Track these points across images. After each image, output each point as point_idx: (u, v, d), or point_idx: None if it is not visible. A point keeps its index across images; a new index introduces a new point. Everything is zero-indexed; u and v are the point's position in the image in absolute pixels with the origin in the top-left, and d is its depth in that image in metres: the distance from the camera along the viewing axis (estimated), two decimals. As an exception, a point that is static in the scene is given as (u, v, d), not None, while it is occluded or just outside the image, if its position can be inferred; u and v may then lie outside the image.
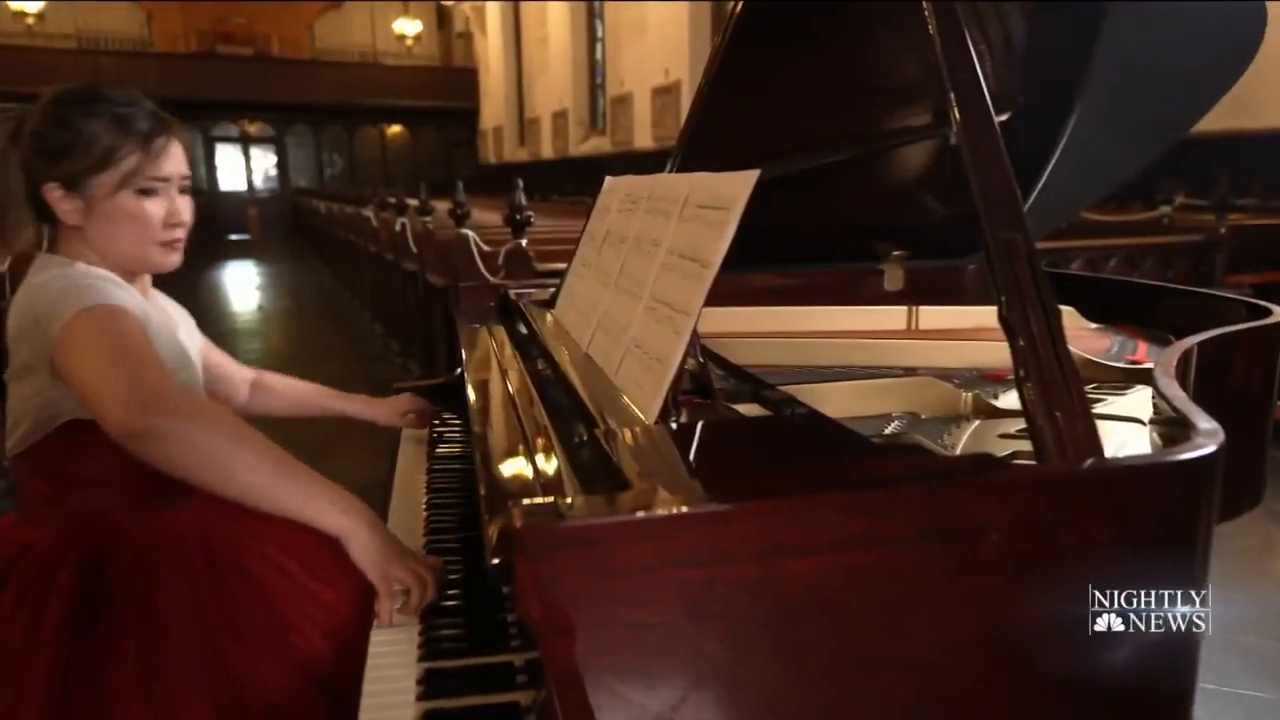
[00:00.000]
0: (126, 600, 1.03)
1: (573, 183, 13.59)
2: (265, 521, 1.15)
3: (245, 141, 19.66)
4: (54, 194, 1.08)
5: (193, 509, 1.09)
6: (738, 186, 0.85)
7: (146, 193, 1.10)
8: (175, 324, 1.25)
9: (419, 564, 0.96)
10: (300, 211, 16.24)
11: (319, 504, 0.96)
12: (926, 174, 1.83)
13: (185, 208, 1.15)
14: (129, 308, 1.04)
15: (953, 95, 0.84)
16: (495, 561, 0.63)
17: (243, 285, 11.41)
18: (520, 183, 3.42)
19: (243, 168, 19.73)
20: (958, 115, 0.83)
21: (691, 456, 0.76)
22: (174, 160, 1.13)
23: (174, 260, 1.15)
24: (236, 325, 8.11)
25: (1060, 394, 0.72)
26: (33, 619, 1.00)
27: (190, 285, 10.77)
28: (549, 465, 0.86)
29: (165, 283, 1.25)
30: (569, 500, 0.63)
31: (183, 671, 1.00)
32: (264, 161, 19.94)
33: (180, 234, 1.14)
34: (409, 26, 19.99)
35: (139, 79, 17.11)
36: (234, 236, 18.44)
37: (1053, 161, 1.65)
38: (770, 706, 0.61)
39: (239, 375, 1.46)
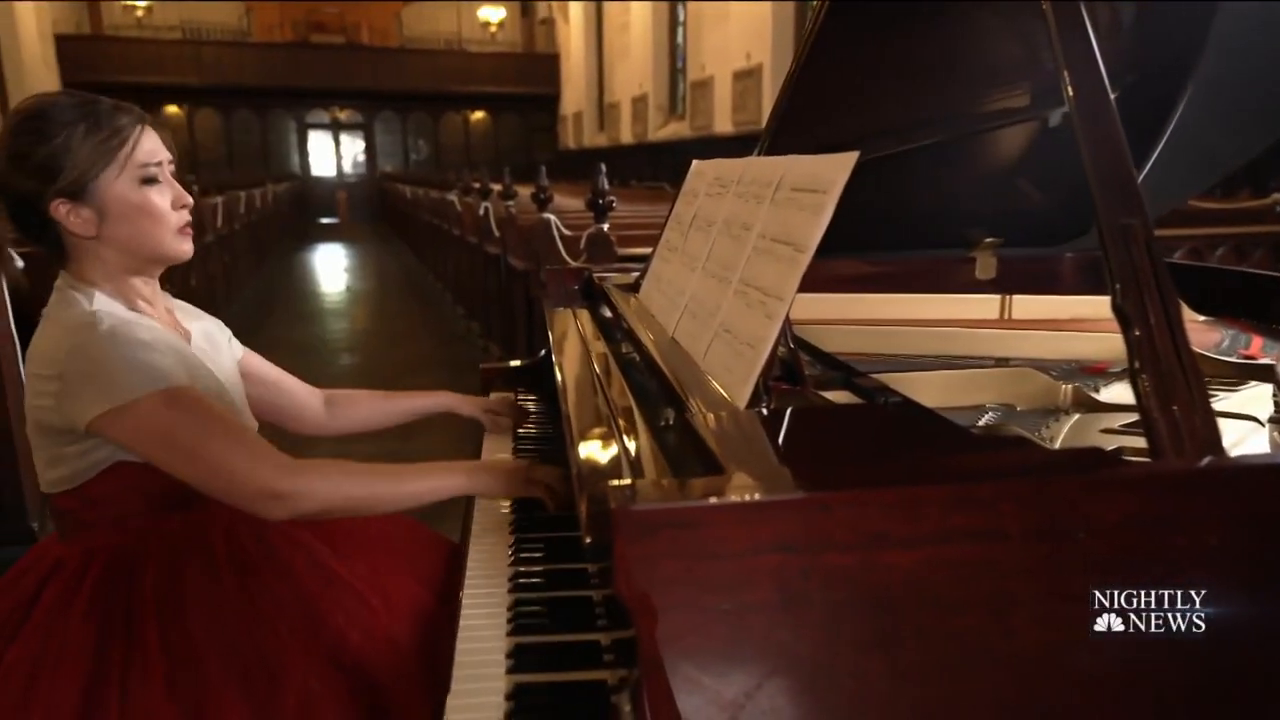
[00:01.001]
0: (151, 603, 1.04)
1: (651, 168, 13.59)
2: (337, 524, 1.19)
3: (336, 128, 20.29)
4: (61, 210, 1.05)
5: (212, 506, 1.09)
6: (835, 169, 0.83)
7: (148, 181, 1.08)
8: (190, 333, 1.23)
9: (544, 477, 1.10)
10: (387, 196, 16.70)
11: (443, 484, 1.08)
12: (1023, 158, 1.76)
13: (183, 191, 1.14)
14: (185, 386, 1.03)
15: (1066, 73, 0.80)
16: (589, 540, 0.63)
17: (332, 267, 11.81)
18: (603, 167, 3.43)
19: (333, 154, 20.38)
20: (1071, 93, 0.80)
21: (785, 443, 0.75)
22: (157, 144, 1.10)
23: (188, 248, 1.14)
24: (325, 305, 8.41)
25: (1178, 387, 0.68)
26: (61, 630, 1.01)
27: (284, 267, 11.22)
28: (638, 447, 0.86)
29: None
30: (666, 482, 0.63)
31: (213, 670, 1.00)
32: (353, 147, 20.55)
33: (189, 216, 1.13)
34: (493, 14, 20.25)
35: (238, 68, 17.87)
36: (324, 220, 19.09)
37: (1159, 146, 1.57)
38: (861, 698, 0.60)
39: (306, 392, 1.43)
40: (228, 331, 1.34)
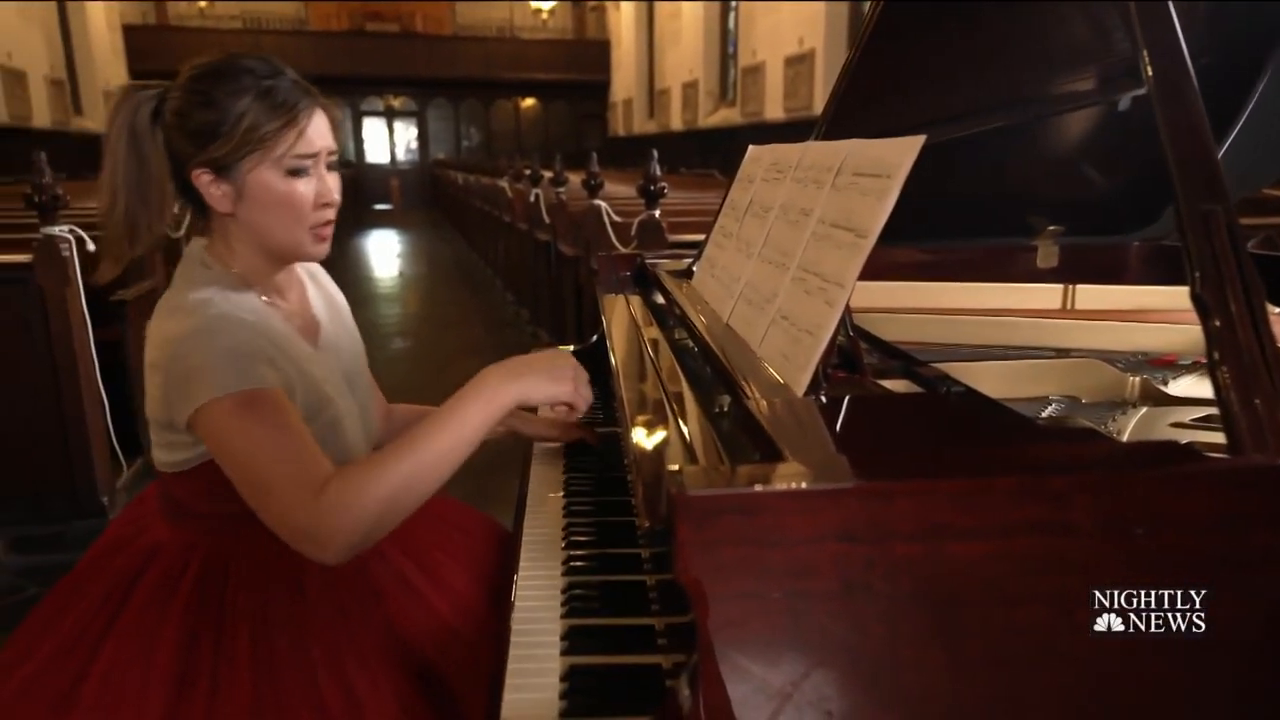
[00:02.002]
0: (244, 609, 1.02)
1: (700, 155, 13.50)
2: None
3: (389, 115, 20.58)
4: (203, 179, 1.02)
5: None
6: (900, 153, 0.82)
7: (296, 173, 1.02)
8: (320, 327, 1.18)
9: (573, 376, 1.05)
10: (439, 182, 16.89)
11: (480, 415, 0.97)
12: (1088, 144, 1.71)
13: (335, 185, 1.07)
14: (266, 390, 0.96)
15: (1146, 54, 0.77)
16: (647, 525, 0.63)
17: (385, 252, 12.01)
18: (655, 153, 3.42)
19: (386, 141, 20.69)
20: (1151, 74, 0.77)
21: (845, 431, 0.74)
22: (321, 134, 1.04)
23: (323, 250, 1.08)
24: (379, 290, 8.55)
25: (1260, 380, 0.65)
26: (157, 625, 1.00)
27: (338, 252, 11.42)
28: (693, 432, 0.86)
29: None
30: (727, 468, 0.62)
31: (292, 682, 0.97)
32: (406, 134, 20.83)
33: (331, 215, 1.07)
34: (545, 1, 20.28)
35: (296, 57, 18.17)
36: (378, 206, 19.40)
37: (1236, 130, 1.50)
38: (922, 691, 0.59)
39: (380, 403, 1.35)
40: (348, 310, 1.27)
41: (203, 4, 18.57)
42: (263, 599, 1.02)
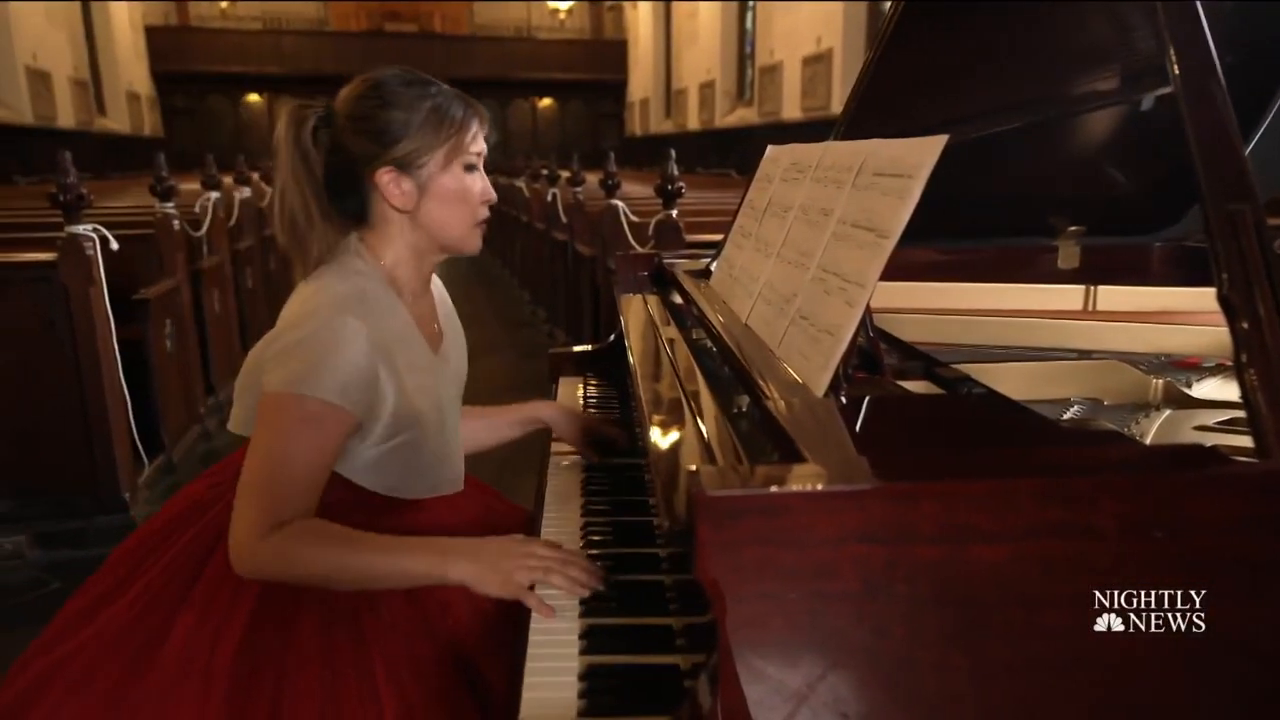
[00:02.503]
0: (312, 600, 1.03)
1: (717, 155, 13.48)
2: (425, 511, 1.17)
3: (407, 115, 20.65)
4: (386, 178, 1.06)
5: (377, 512, 1.09)
6: (922, 152, 0.81)
7: (469, 168, 1.10)
8: (443, 338, 1.22)
9: (541, 557, 0.95)
10: (455, 182, 16.91)
11: (422, 567, 0.98)
12: (1110, 144, 1.69)
13: (490, 187, 1.15)
14: (333, 409, 0.99)
15: (1172, 52, 0.76)
16: (666, 525, 0.63)
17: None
18: (673, 153, 3.41)
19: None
20: (1177, 72, 0.76)
21: (866, 432, 0.73)
22: (481, 139, 1.13)
23: (478, 243, 1.15)
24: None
25: (1289, 383, 0.64)
26: (230, 604, 1.02)
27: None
28: (712, 432, 0.86)
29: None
30: (749, 468, 0.62)
31: (350, 666, 0.99)
32: (423, 134, 20.89)
33: (489, 213, 1.15)
34: (562, 1, 20.32)
35: (316, 57, 18.35)
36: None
37: (1261, 129, 1.48)
38: (944, 693, 0.59)
39: None
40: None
41: (224, 5, 18.73)
42: (332, 592, 1.03)
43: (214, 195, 4.37)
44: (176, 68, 16.86)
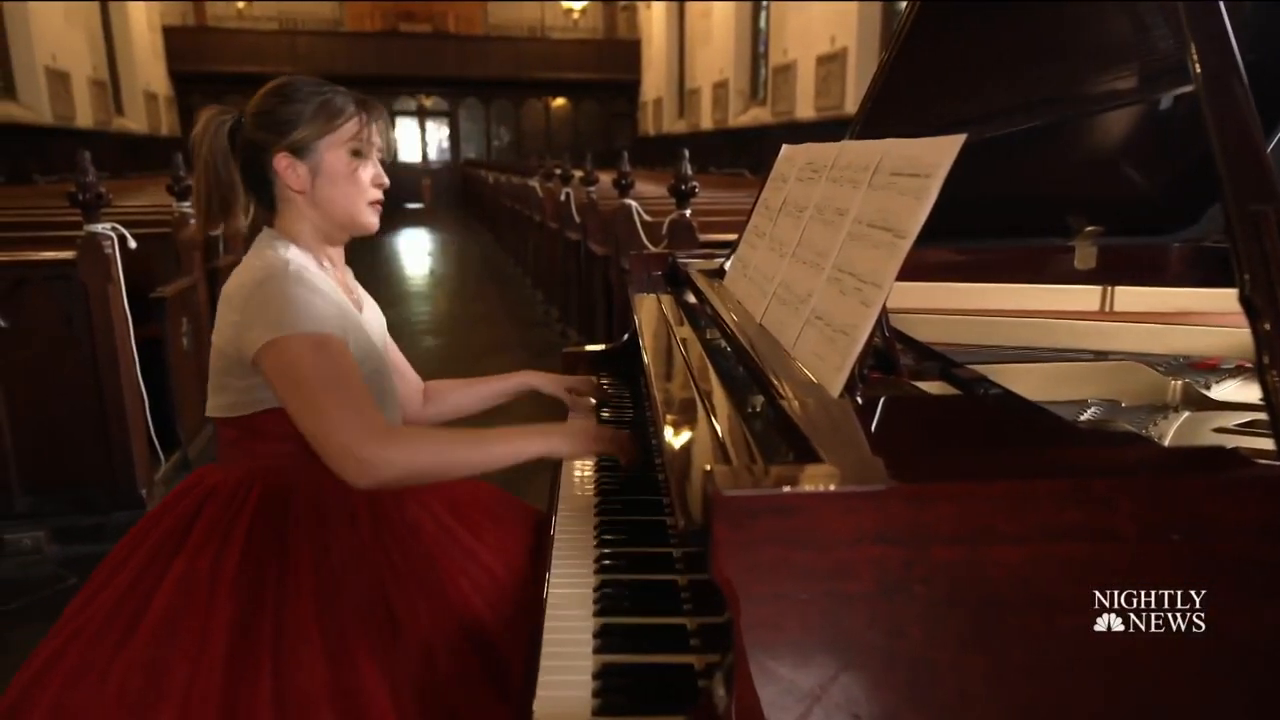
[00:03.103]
0: (302, 540, 1.12)
1: (730, 154, 13.46)
2: (427, 510, 1.25)
3: (421, 115, 20.75)
4: (283, 162, 1.20)
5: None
6: (939, 152, 0.81)
7: (359, 154, 1.23)
8: (363, 304, 1.35)
9: (616, 439, 1.19)
10: (469, 181, 17.01)
11: (520, 448, 1.14)
12: (1128, 143, 1.68)
13: (383, 174, 1.28)
14: (335, 336, 1.12)
15: (1194, 49, 0.75)
16: (682, 524, 0.63)
17: (416, 251, 12.11)
18: (686, 153, 3.41)
19: (418, 140, 20.85)
20: (1199, 70, 0.75)
21: (882, 432, 0.73)
22: (372, 131, 1.25)
23: (375, 222, 1.27)
24: (410, 288, 8.63)
25: (1312, 385, 0.64)
26: (219, 550, 1.10)
27: (371, 250, 11.55)
28: (727, 432, 0.85)
29: (350, 248, 1.35)
30: (766, 468, 0.62)
31: (352, 614, 1.06)
32: (437, 134, 20.99)
33: (381, 195, 1.27)
34: (576, 1, 20.34)
35: (330, 57, 18.46)
36: (409, 205, 19.57)
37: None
38: (961, 695, 0.59)
39: (415, 384, 1.53)
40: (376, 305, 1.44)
41: (240, 5, 18.86)
42: (322, 528, 1.14)
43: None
44: (194, 68, 17.00)
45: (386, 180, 1.28)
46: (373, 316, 1.37)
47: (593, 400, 1.59)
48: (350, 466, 1.04)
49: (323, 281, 1.20)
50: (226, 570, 1.07)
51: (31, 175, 10.19)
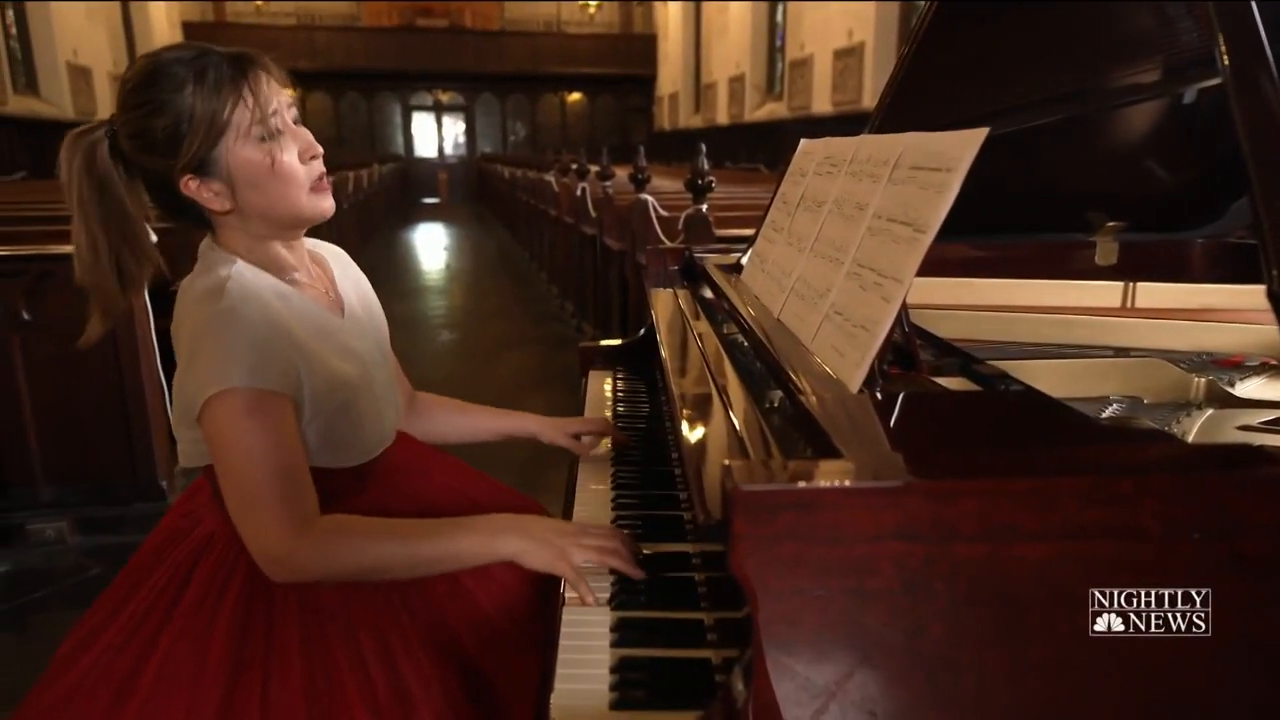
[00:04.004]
0: (290, 602, 1.01)
1: (746, 149, 13.42)
2: (436, 497, 1.18)
3: (438, 110, 20.82)
4: (192, 185, 1.00)
5: (360, 505, 1.07)
6: (961, 146, 0.80)
7: (270, 137, 1.00)
8: (345, 301, 1.17)
9: (598, 537, 0.95)
10: (485, 176, 17.05)
11: (471, 546, 0.97)
12: (1151, 137, 1.66)
13: (308, 135, 1.04)
14: (272, 393, 0.95)
15: (1221, 40, 0.74)
16: (701, 519, 0.63)
17: (432, 245, 12.15)
18: (703, 147, 3.40)
19: (435, 135, 20.93)
20: (1226, 62, 0.74)
21: (902, 428, 0.73)
22: (275, 92, 1.01)
23: (328, 205, 1.06)
24: (426, 283, 8.66)
25: (1341, 383, 0.63)
26: (209, 621, 1.00)
27: (388, 244, 11.61)
28: (745, 427, 0.85)
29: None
30: (786, 463, 0.62)
31: (344, 675, 0.97)
32: (454, 129, 21.06)
33: (321, 166, 1.05)
34: (591, -5, 20.34)
35: (348, 52, 18.55)
36: (426, 200, 19.64)
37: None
38: (981, 692, 0.58)
39: (404, 387, 1.34)
40: (373, 295, 1.27)
41: (259, 2, 18.99)
42: (314, 590, 1.02)
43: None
44: (213, 63, 17.10)
45: (318, 147, 1.04)
46: (363, 312, 1.19)
47: (604, 436, 1.37)
48: (263, 557, 0.94)
49: (283, 299, 1.02)
50: (215, 647, 0.98)
51: (54, 169, 10.31)
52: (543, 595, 1.14)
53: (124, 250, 1.03)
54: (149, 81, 0.97)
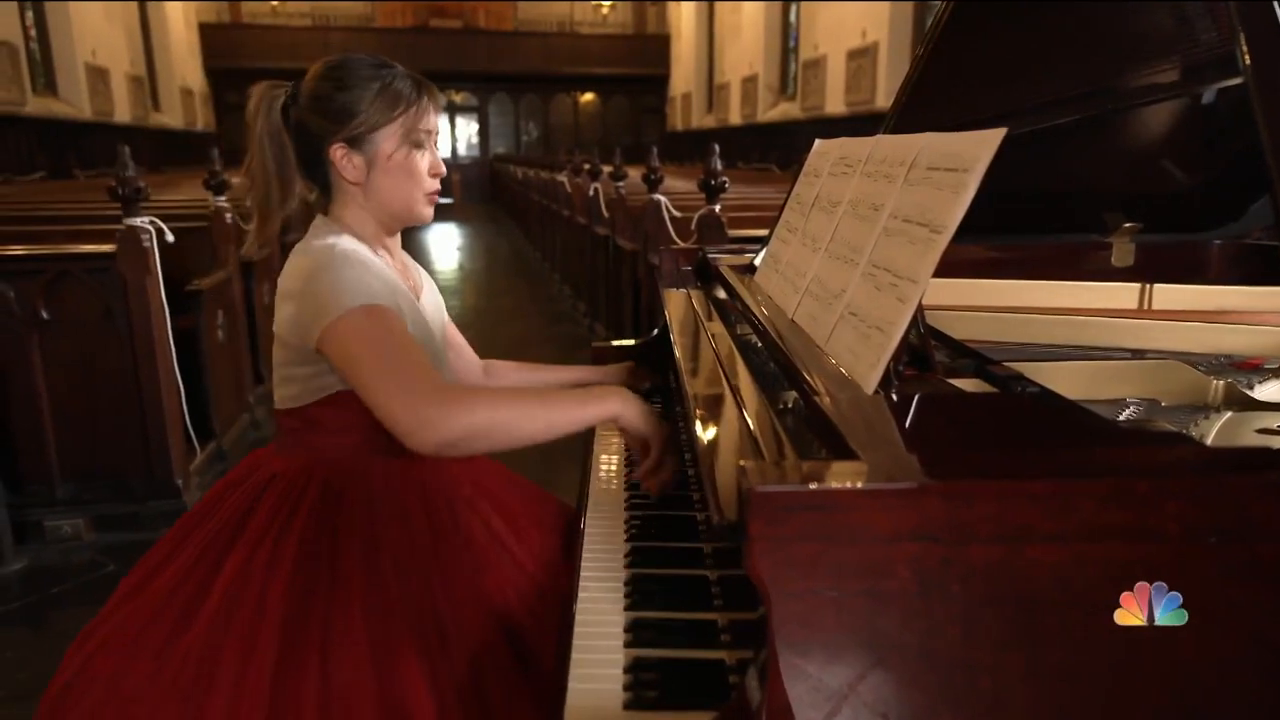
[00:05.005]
0: (354, 536, 1.11)
1: (759, 149, 13.39)
2: (480, 476, 1.24)
3: (451, 110, 20.86)
4: (338, 153, 1.17)
5: (414, 461, 1.16)
6: (978, 146, 0.80)
7: (417, 145, 1.19)
8: (421, 288, 1.33)
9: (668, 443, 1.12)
10: (498, 177, 17.09)
11: (588, 412, 1.10)
12: (1168, 138, 1.64)
13: (440, 160, 1.25)
14: (386, 306, 1.10)
15: (1243, 38, 0.74)
16: (716, 520, 0.63)
17: (446, 246, 12.19)
18: (717, 147, 3.40)
19: (448, 135, 20.97)
20: (1248, 61, 0.73)
21: (918, 429, 0.72)
22: (432, 116, 1.22)
23: (429, 213, 1.25)
24: (440, 283, 8.63)
25: (1364, 386, 0.62)
26: (274, 546, 1.09)
27: (403, 243, 11.64)
28: (759, 428, 0.85)
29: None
30: (801, 464, 0.62)
31: (399, 619, 1.05)
32: (467, 129, 21.11)
33: (438, 185, 1.24)
34: (605, -4, 20.35)
35: (361, 52, 18.64)
36: (439, 200, 19.64)
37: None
38: (998, 695, 0.58)
39: (473, 359, 1.52)
40: (435, 286, 1.42)
41: (275, 3, 19.10)
42: (373, 524, 1.12)
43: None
44: (229, 64, 17.23)
45: (444, 168, 1.25)
46: (431, 300, 1.35)
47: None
48: (412, 426, 1.01)
49: (377, 264, 1.17)
50: (280, 570, 1.07)
51: (71, 169, 10.40)
52: (567, 558, 1.20)
53: (277, 191, 1.21)
54: (349, 67, 1.18)
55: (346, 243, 1.16)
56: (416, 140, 1.19)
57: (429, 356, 1.19)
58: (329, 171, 1.19)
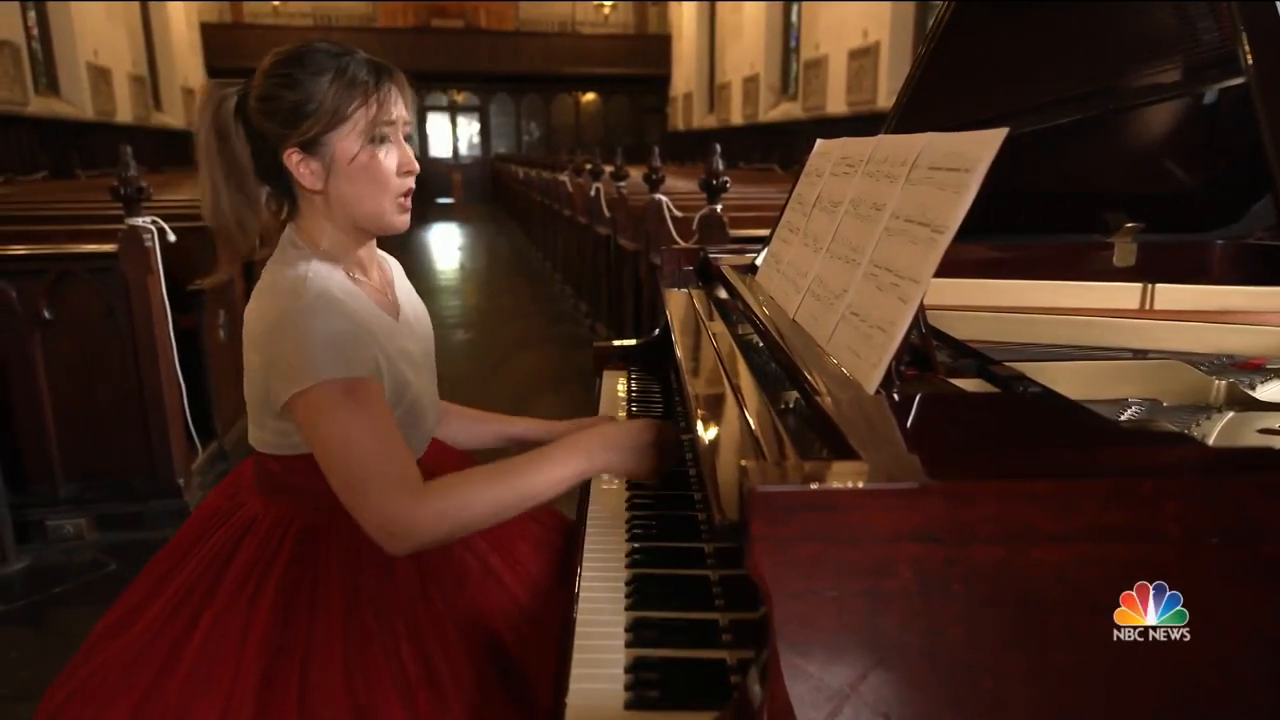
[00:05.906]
0: (334, 587, 1.04)
1: (760, 149, 13.39)
2: None
3: (453, 110, 20.90)
4: (294, 159, 1.05)
5: None
6: (980, 146, 0.80)
7: (382, 140, 1.06)
8: (400, 307, 1.20)
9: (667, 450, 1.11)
10: (499, 177, 17.10)
11: (563, 474, 1.04)
12: (1170, 138, 1.64)
13: (411, 156, 1.11)
14: (363, 379, 1.00)
15: (1245, 38, 0.74)
16: (717, 520, 0.63)
17: (447, 246, 12.20)
18: (718, 147, 3.40)
19: (449, 135, 21.00)
20: (1250, 60, 0.73)
21: (920, 429, 0.72)
22: (397, 104, 1.08)
23: (403, 221, 1.12)
24: (441, 283, 8.69)
25: (1366, 386, 0.62)
26: (251, 599, 1.03)
27: (403, 244, 11.65)
28: (761, 428, 0.85)
29: (383, 243, 1.23)
30: (803, 464, 0.62)
31: (381, 665, 1.00)
32: (468, 129, 21.13)
33: (411, 183, 1.10)
34: (606, -4, 20.36)
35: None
36: (440, 200, 19.71)
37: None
38: (999, 696, 0.58)
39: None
40: (423, 306, 1.31)
41: (276, 3, 19.14)
42: (355, 574, 1.06)
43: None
44: (230, 64, 17.24)
45: (416, 165, 1.10)
46: (414, 318, 1.22)
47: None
48: (380, 536, 0.96)
49: (346, 308, 1.04)
50: (257, 626, 1.01)
51: (73, 169, 10.41)
52: (565, 581, 1.16)
53: (239, 200, 1.09)
54: (295, 60, 1.04)
55: (317, 275, 1.04)
56: (380, 135, 1.05)
57: (414, 375, 1.13)
58: (290, 179, 1.07)
